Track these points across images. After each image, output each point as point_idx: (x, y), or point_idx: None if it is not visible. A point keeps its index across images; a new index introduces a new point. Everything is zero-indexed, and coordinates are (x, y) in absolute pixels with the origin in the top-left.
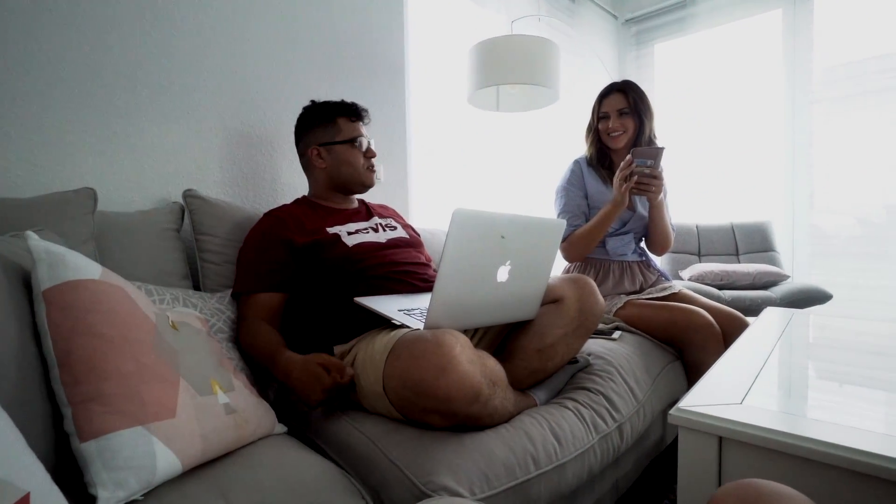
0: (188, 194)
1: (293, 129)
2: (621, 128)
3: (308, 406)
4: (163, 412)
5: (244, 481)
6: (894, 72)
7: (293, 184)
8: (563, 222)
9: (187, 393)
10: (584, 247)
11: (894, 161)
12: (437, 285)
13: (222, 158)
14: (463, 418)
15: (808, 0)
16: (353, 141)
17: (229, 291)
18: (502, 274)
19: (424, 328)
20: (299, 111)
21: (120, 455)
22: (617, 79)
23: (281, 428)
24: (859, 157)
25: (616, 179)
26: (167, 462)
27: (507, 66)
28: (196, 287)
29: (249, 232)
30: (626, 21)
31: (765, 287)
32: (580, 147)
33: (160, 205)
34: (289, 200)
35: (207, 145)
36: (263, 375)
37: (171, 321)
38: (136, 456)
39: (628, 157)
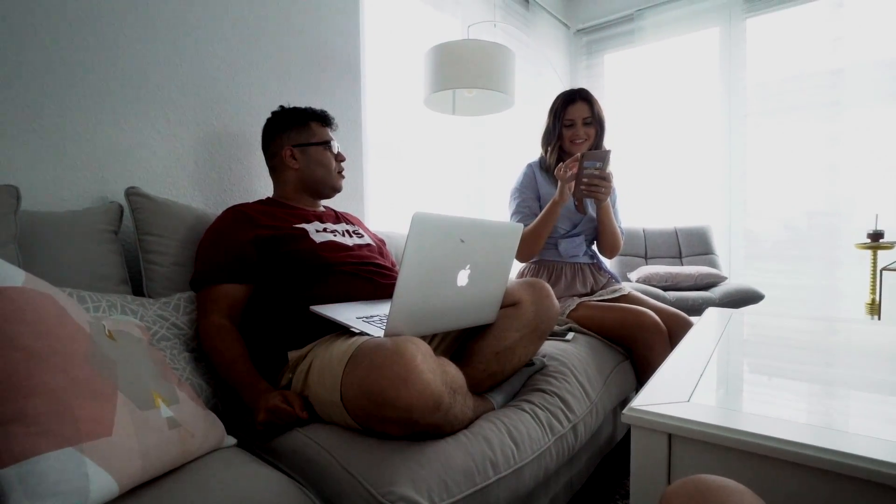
0: (131, 192)
1: (243, 129)
2: (585, 135)
3: (254, 422)
4: (97, 430)
5: (190, 500)
6: (817, 89)
7: (241, 185)
8: (521, 226)
9: (126, 408)
10: (531, 245)
11: (814, 171)
12: (398, 290)
13: (165, 156)
14: (423, 427)
15: (742, 20)
16: (326, 143)
17: (175, 296)
18: (462, 278)
19: (385, 335)
20: (250, 110)
21: (46, 480)
22: (569, 87)
23: (230, 440)
24: (785, 166)
25: (558, 172)
26: (102, 484)
27: (464, 71)
28: (138, 293)
29: (211, 225)
30: (578, 31)
31: (706, 288)
32: (533, 151)
33: (95, 204)
34: (236, 202)
35: (148, 142)
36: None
37: (108, 330)
38: (65, 480)
39: (577, 154)
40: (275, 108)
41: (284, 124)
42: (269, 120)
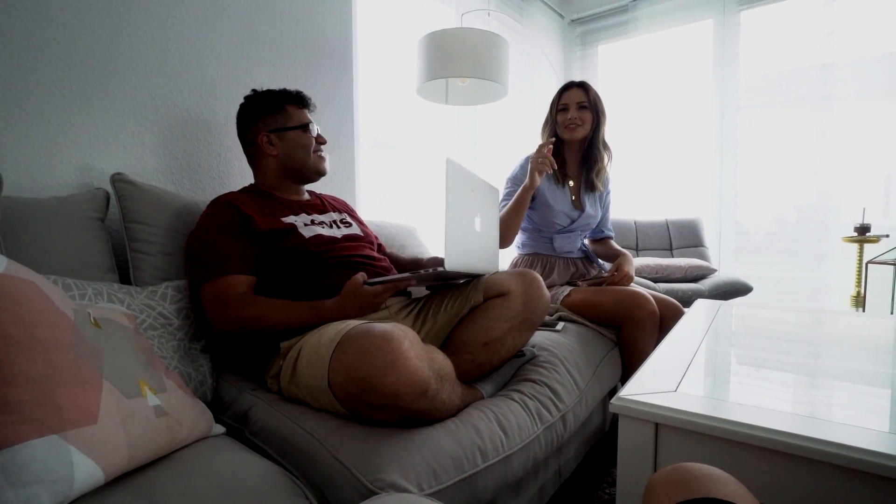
0: (117, 178)
1: (232, 117)
2: (580, 120)
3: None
4: (82, 418)
5: (177, 488)
6: (808, 83)
7: (231, 172)
8: (497, 190)
9: (112, 396)
10: (503, 233)
11: (804, 165)
12: (448, 223)
13: (153, 143)
14: (410, 413)
15: (736, 13)
16: (305, 126)
17: (162, 285)
18: (477, 224)
19: (447, 267)
20: (240, 97)
21: (29, 468)
22: (563, 77)
23: (218, 429)
24: (776, 160)
25: (531, 163)
26: (87, 472)
27: (457, 59)
28: (125, 281)
29: (201, 220)
30: (572, 21)
31: (695, 280)
32: (527, 142)
33: (80, 191)
34: (226, 190)
35: (136, 128)
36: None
37: (93, 318)
38: (48, 468)
39: (546, 142)
40: None
41: (259, 110)
42: (242, 106)
